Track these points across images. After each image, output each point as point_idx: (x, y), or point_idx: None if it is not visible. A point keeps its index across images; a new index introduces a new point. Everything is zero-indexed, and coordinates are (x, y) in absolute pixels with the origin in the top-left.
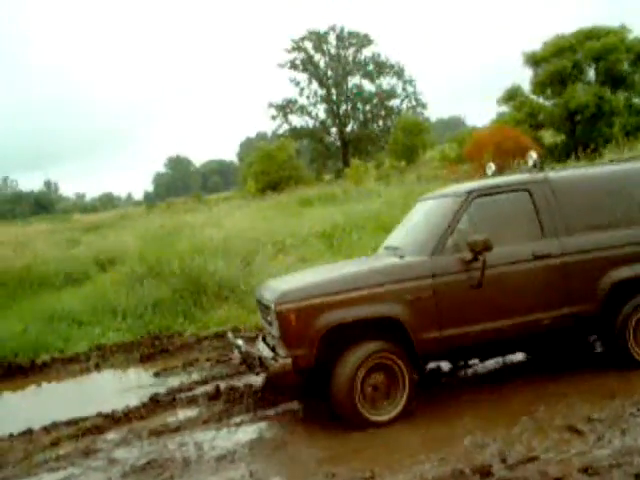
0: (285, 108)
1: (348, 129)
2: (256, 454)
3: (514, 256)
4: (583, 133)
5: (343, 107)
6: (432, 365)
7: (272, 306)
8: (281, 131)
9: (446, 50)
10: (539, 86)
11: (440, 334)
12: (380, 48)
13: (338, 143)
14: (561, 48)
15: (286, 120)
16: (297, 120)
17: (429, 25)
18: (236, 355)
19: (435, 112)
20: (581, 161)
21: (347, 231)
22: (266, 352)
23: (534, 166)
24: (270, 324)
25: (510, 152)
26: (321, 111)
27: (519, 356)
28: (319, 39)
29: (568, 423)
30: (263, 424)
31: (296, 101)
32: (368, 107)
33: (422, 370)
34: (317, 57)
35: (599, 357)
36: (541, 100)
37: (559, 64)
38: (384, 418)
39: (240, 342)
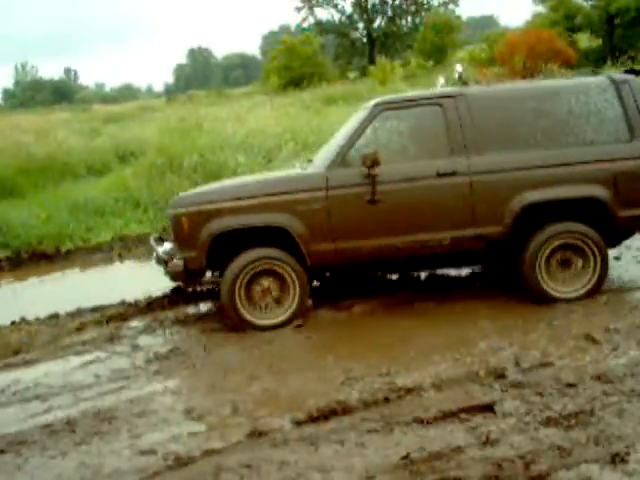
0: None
1: (375, 25)
2: (275, 347)
3: (416, 173)
4: (621, 38)
5: (371, 1)
6: (455, 271)
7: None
8: (306, 25)
9: None
10: None
11: (333, 246)
12: None
13: (364, 39)
14: None
15: (311, 12)
16: (323, 13)
17: None
18: (154, 256)
19: (467, 10)
20: (618, 67)
21: None
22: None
23: (459, 79)
24: None
25: (543, 55)
26: (348, 4)
27: None
28: None
29: (585, 332)
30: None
31: None
32: (397, 1)
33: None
34: None
35: None
36: (579, 1)
37: None
38: (269, 322)
39: (153, 244)
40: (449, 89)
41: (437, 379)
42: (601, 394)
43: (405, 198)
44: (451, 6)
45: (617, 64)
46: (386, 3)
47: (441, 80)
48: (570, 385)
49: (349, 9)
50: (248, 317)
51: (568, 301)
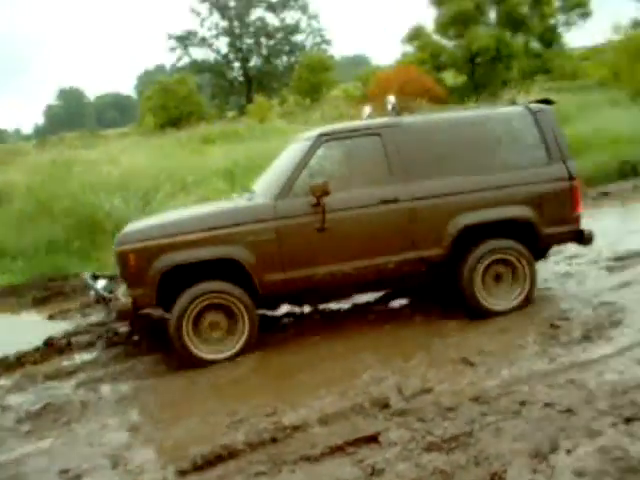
0: (185, 40)
1: (251, 64)
2: (157, 394)
3: (360, 200)
4: (483, 75)
5: (246, 41)
6: (337, 304)
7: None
8: (181, 64)
9: None
10: (442, 26)
11: (284, 276)
12: None
13: (241, 78)
14: None
15: (186, 52)
16: (198, 53)
17: None
18: (92, 295)
19: (340, 50)
20: (480, 102)
21: (250, 170)
22: (121, 292)
23: (392, 110)
24: None
25: (414, 92)
26: (223, 44)
27: (417, 295)
28: None
29: (461, 355)
30: (165, 365)
31: (196, 33)
32: (272, 42)
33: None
34: None
35: None
36: (444, 41)
37: (461, 5)
38: (218, 356)
39: (91, 282)
40: (386, 119)
41: (323, 414)
42: (479, 415)
43: (352, 225)
44: (324, 46)
45: (480, 99)
46: (261, 43)
47: (366, 110)
48: (450, 409)
49: (224, 49)
50: (197, 352)
51: (499, 313)
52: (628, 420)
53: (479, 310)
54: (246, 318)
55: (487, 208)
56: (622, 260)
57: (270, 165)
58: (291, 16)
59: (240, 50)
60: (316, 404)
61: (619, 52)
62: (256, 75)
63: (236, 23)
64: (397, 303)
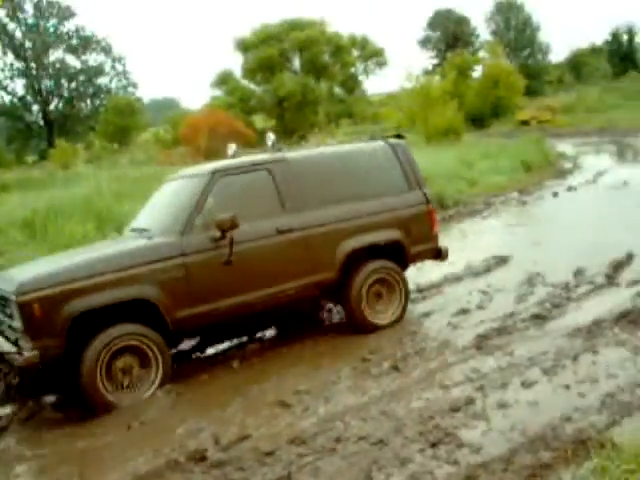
0: None
1: (52, 107)
2: None
3: (259, 232)
4: (292, 119)
5: (45, 83)
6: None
7: (12, 298)
8: None
9: (158, 28)
10: (249, 72)
11: (193, 311)
12: (84, 22)
13: (41, 122)
14: (268, 36)
15: None
16: None
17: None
18: None
19: (149, 93)
20: (289, 145)
21: (52, 219)
22: (6, 347)
23: (272, 146)
24: (10, 317)
25: (224, 135)
26: (19, 86)
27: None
28: (13, 6)
29: (278, 398)
30: None
31: None
32: (74, 84)
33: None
34: (12, 26)
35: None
36: (252, 86)
37: (267, 52)
38: (133, 401)
39: None
40: (272, 155)
41: (135, 476)
42: (296, 457)
43: (254, 256)
44: (131, 89)
45: (290, 142)
46: (62, 85)
47: (232, 147)
48: (268, 453)
49: (21, 90)
50: (110, 398)
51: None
52: (434, 444)
53: (366, 326)
54: (159, 358)
55: (367, 233)
56: (422, 292)
57: (149, 204)
58: (94, 58)
59: (39, 92)
60: (128, 466)
61: (413, 99)
62: (58, 118)
63: (33, 64)
64: (212, 350)
